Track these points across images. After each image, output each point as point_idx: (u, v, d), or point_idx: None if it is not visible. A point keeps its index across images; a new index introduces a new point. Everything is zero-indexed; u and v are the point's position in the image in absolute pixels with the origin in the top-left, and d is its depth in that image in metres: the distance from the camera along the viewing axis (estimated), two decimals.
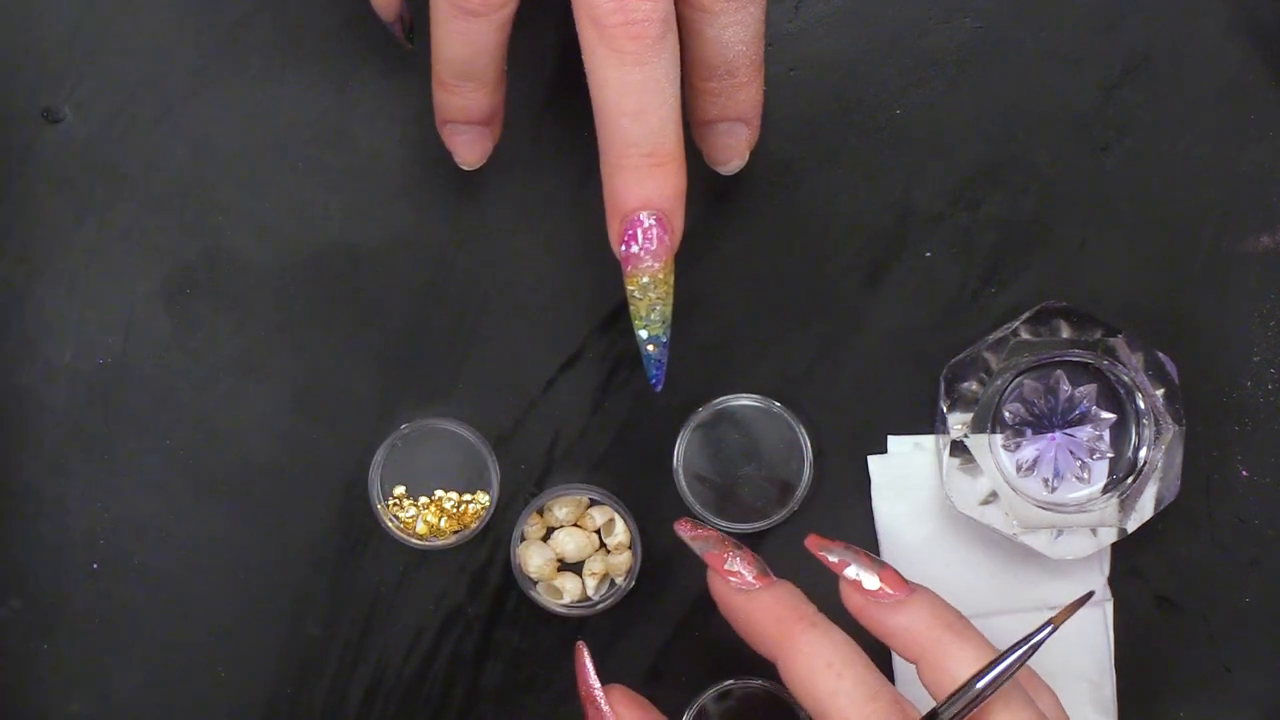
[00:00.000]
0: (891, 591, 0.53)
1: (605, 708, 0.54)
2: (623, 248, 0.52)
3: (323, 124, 0.61)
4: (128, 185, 0.60)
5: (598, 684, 0.55)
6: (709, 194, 0.61)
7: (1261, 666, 0.62)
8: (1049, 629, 0.50)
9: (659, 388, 0.55)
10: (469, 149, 0.57)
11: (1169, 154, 0.62)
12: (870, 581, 0.53)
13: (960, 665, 0.51)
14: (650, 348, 0.54)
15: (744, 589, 0.53)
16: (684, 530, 0.56)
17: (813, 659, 0.51)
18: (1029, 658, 0.50)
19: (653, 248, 0.52)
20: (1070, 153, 0.61)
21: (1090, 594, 0.52)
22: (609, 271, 0.61)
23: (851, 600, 0.53)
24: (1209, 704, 0.62)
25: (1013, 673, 0.50)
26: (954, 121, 0.61)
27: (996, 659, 0.50)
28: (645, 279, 0.53)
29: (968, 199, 0.61)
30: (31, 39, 0.60)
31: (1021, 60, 0.61)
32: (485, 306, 0.61)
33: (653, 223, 0.52)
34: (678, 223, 0.52)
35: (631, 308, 0.54)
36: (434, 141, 0.60)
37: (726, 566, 0.54)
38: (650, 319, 0.53)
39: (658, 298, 0.53)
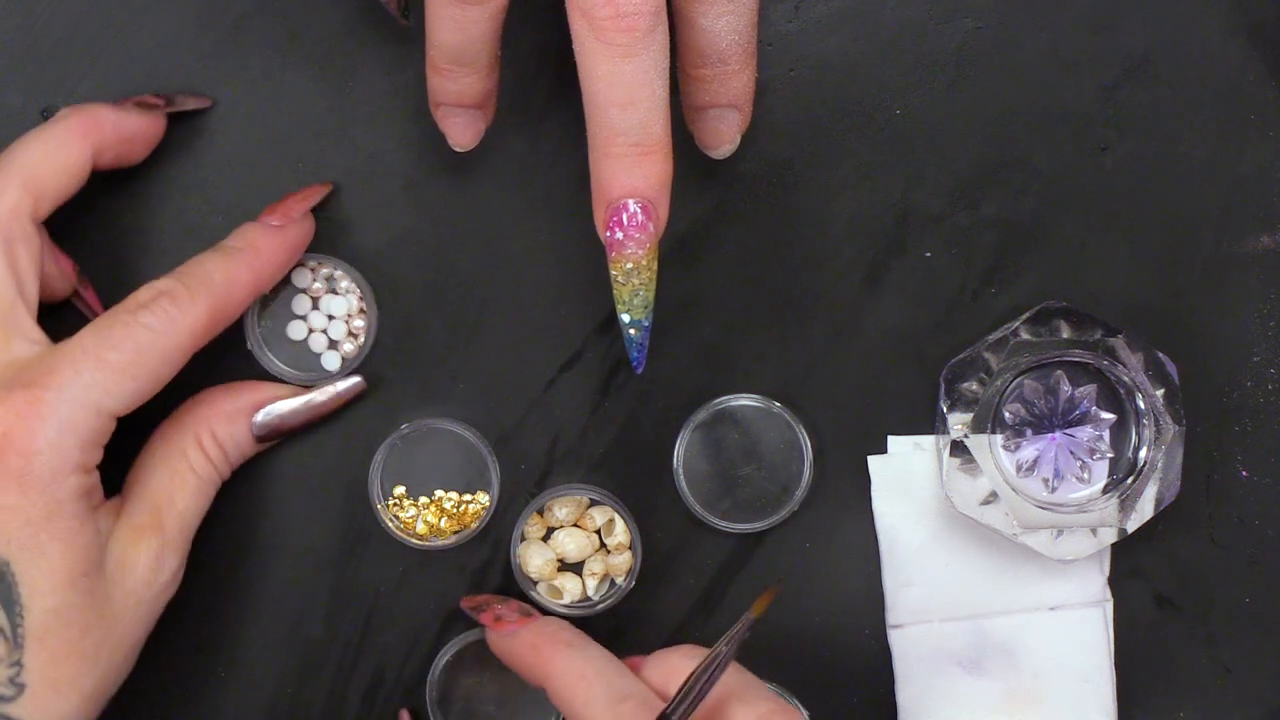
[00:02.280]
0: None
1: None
2: (608, 234, 0.53)
3: (323, 124, 0.61)
4: (128, 185, 0.60)
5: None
6: (709, 194, 0.61)
7: (1261, 666, 0.62)
8: (749, 621, 0.53)
9: (640, 370, 0.56)
10: (461, 131, 0.58)
11: (1169, 154, 0.62)
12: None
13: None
14: (632, 331, 0.55)
15: (509, 633, 0.58)
16: (466, 605, 0.60)
17: (567, 674, 0.55)
18: (734, 651, 0.53)
19: (637, 235, 0.53)
20: (1070, 153, 0.61)
21: (780, 583, 0.58)
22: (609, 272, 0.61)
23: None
24: (1209, 704, 0.62)
25: (723, 664, 0.53)
26: (954, 121, 0.61)
27: (710, 655, 0.53)
28: (629, 265, 0.53)
29: (968, 199, 0.61)
30: (31, 39, 0.60)
31: (1021, 60, 0.61)
32: (485, 306, 0.61)
33: (638, 210, 0.52)
34: (663, 211, 0.53)
35: (615, 292, 0.54)
36: (434, 141, 0.60)
37: (495, 619, 0.58)
38: (633, 304, 0.54)
39: (641, 283, 0.54)
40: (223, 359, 0.60)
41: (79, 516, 0.52)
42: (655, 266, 0.54)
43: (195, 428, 0.57)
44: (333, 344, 0.60)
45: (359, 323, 0.60)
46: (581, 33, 0.51)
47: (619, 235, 0.53)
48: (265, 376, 0.60)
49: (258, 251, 0.57)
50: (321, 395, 0.59)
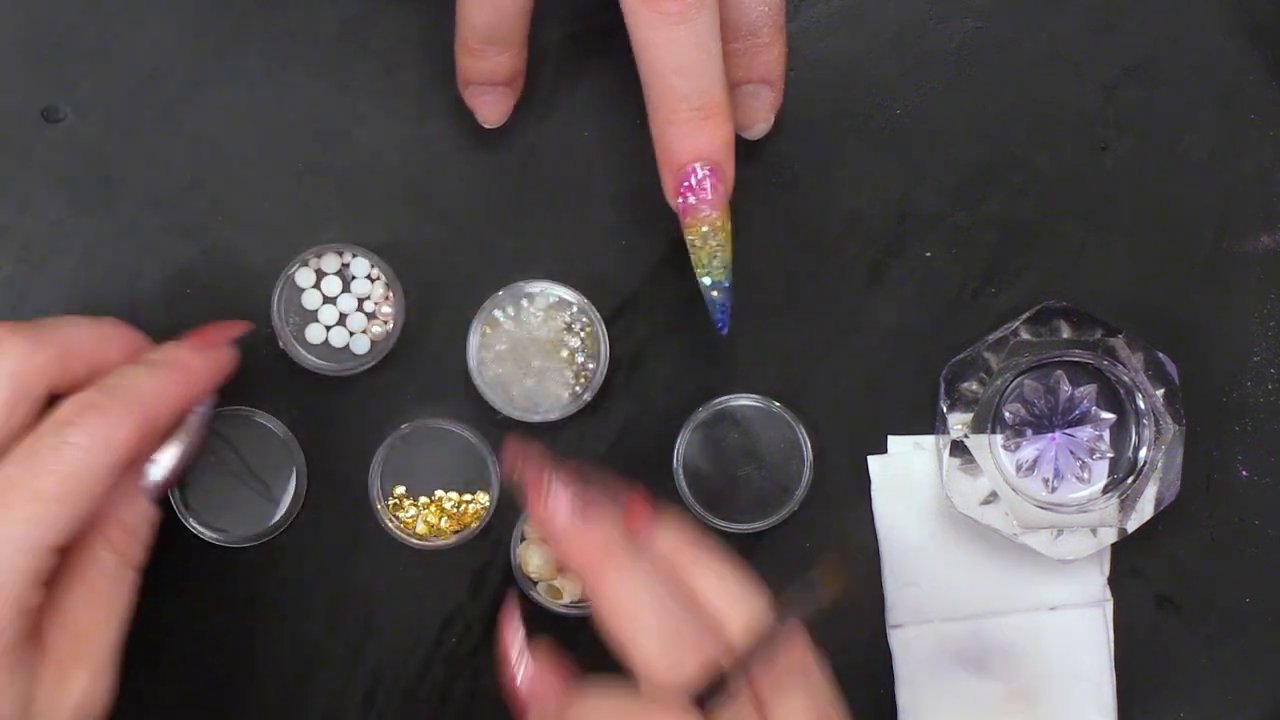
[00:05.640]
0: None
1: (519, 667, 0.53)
2: (680, 200, 0.53)
3: (323, 124, 0.61)
4: (128, 185, 0.60)
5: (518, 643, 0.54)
6: None
7: (1261, 666, 0.62)
8: (825, 592, 0.50)
9: (725, 331, 0.56)
10: (491, 109, 0.58)
11: (1169, 154, 0.62)
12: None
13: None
14: (715, 293, 0.55)
15: (561, 529, 0.52)
16: (510, 455, 0.54)
17: (615, 603, 0.50)
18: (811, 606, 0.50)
19: (708, 197, 0.53)
20: (1070, 153, 0.61)
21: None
22: (609, 272, 0.61)
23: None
24: (1209, 704, 0.62)
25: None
26: (954, 121, 0.61)
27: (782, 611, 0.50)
28: (705, 228, 0.54)
29: (968, 199, 0.61)
30: (31, 39, 0.60)
31: (1021, 60, 0.61)
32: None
33: (706, 173, 0.53)
34: (729, 171, 0.53)
35: (693, 256, 0.55)
36: (434, 141, 0.60)
37: (546, 508, 0.52)
38: (712, 265, 0.55)
39: (718, 245, 0.54)
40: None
41: (8, 670, 0.47)
42: (730, 226, 0.54)
43: (100, 527, 0.51)
44: (361, 330, 0.61)
45: (386, 309, 0.60)
46: (634, 5, 0.51)
47: (691, 200, 0.53)
48: (297, 371, 0.60)
49: (185, 366, 0.53)
50: (192, 422, 0.54)
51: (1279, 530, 0.62)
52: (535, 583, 0.61)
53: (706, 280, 0.55)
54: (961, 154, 0.61)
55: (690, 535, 0.52)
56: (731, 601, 0.51)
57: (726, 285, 0.55)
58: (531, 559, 0.61)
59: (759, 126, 0.58)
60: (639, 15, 0.51)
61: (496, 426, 0.61)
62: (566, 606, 0.61)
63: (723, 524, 0.61)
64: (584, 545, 0.51)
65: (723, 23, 0.54)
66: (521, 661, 0.53)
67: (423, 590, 0.61)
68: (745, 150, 0.59)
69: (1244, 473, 0.62)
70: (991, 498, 0.59)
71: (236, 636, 0.61)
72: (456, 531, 0.61)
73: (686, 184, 0.53)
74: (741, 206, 0.61)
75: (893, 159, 0.61)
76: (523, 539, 0.61)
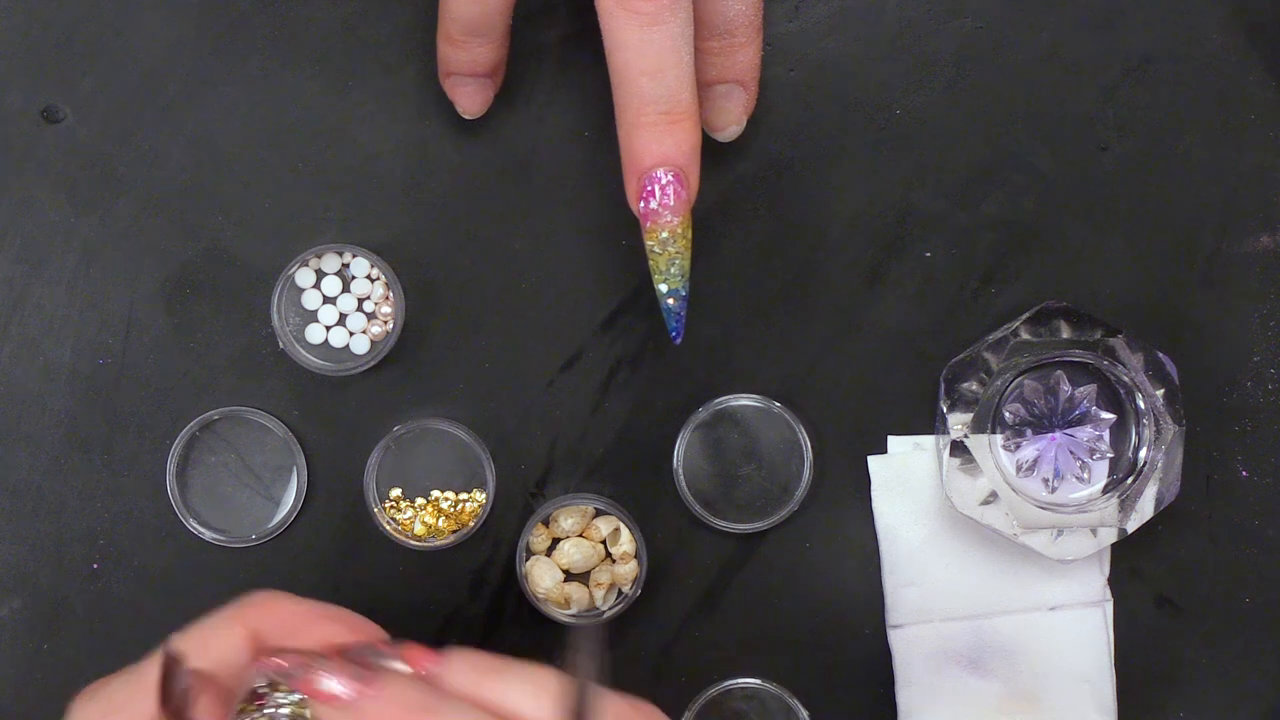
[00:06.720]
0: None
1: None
2: (641, 204, 0.53)
3: (323, 124, 0.61)
4: (128, 185, 0.60)
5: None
6: (709, 194, 0.61)
7: (1261, 666, 0.62)
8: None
9: (678, 340, 0.56)
10: (471, 99, 0.58)
11: (1169, 154, 0.62)
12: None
13: None
14: (670, 301, 0.55)
15: (349, 703, 0.45)
16: (265, 668, 0.46)
17: None
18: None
19: (670, 203, 0.53)
20: (1070, 153, 0.61)
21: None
22: (609, 272, 0.61)
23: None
24: (1209, 704, 0.62)
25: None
26: (954, 121, 0.61)
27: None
28: (664, 234, 0.53)
29: (968, 199, 0.61)
30: (31, 39, 0.60)
31: (1021, 60, 0.61)
32: (485, 306, 0.61)
33: (670, 179, 0.52)
34: (694, 178, 0.53)
35: (651, 263, 0.54)
36: (434, 141, 0.60)
37: (320, 688, 0.45)
38: (670, 273, 0.54)
39: (676, 252, 0.54)
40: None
41: None
42: (690, 234, 0.54)
43: None
44: (361, 330, 0.61)
45: (386, 309, 0.60)
46: (608, 4, 0.51)
47: (653, 205, 0.53)
48: (297, 371, 0.60)
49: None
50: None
51: (1279, 530, 0.62)
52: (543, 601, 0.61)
53: (663, 288, 0.54)
54: (961, 154, 0.61)
55: (478, 656, 0.47)
56: (537, 699, 0.46)
57: (683, 294, 0.55)
58: (543, 580, 0.60)
59: (730, 129, 0.58)
60: (613, 15, 0.51)
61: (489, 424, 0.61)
62: (574, 616, 0.60)
63: (723, 524, 0.61)
64: (383, 713, 0.44)
65: (698, 21, 0.54)
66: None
67: (422, 590, 0.61)
68: (745, 150, 0.60)
69: (1244, 473, 0.62)
70: (991, 498, 0.59)
71: None
72: (455, 531, 0.61)
73: (649, 189, 0.53)
74: (741, 206, 0.61)
75: (893, 159, 0.61)
76: (528, 556, 0.61)
